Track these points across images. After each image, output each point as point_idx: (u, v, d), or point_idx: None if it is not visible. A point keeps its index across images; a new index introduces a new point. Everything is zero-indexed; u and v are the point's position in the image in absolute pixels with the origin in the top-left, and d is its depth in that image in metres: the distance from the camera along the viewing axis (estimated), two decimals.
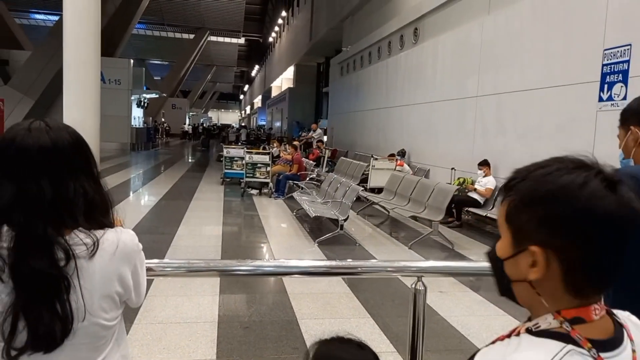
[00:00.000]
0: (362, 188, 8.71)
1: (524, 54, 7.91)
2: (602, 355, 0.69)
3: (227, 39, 48.69)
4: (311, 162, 13.54)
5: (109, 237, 1.10)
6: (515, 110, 8.08)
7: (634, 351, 0.74)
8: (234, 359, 3.27)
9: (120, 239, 1.13)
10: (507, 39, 8.50)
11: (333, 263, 1.68)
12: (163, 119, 36.06)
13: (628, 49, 5.73)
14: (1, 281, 1.00)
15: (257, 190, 11.05)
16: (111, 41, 22.27)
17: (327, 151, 15.34)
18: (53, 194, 1.04)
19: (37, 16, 34.07)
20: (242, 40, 53.01)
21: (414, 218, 7.53)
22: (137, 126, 26.27)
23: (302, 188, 9.74)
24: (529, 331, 0.73)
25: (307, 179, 10.84)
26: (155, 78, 47.14)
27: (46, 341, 1.02)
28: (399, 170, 10.29)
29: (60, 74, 10.03)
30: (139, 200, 10.33)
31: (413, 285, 1.54)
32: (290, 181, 10.66)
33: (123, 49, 25.06)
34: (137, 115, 27.67)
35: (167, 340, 3.47)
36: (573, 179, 0.70)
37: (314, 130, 19.70)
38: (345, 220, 6.80)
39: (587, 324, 0.71)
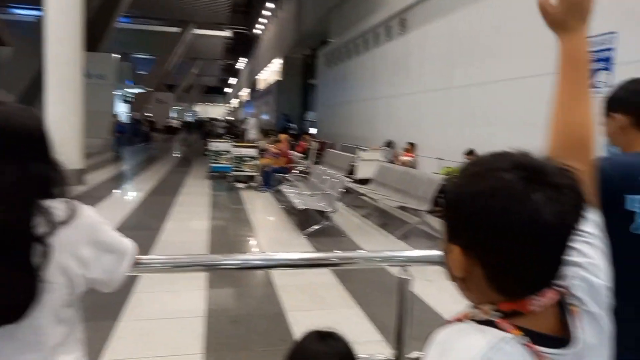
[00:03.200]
0: (349, 179, 8.71)
1: (510, 43, 7.94)
2: (547, 350, 0.67)
3: (213, 32, 48.22)
4: (299, 154, 13.50)
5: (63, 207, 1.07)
6: (501, 99, 8.11)
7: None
8: (222, 352, 3.25)
9: (80, 210, 1.09)
10: (493, 29, 8.51)
11: (319, 255, 1.67)
12: (148, 114, 35.63)
13: (615, 36, 5.77)
14: None
15: (245, 184, 10.99)
16: (95, 35, 21.90)
17: (314, 143, 15.28)
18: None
19: (18, 11, 33.38)
20: (228, 33, 52.57)
21: (402, 208, 7.54)
22: (122, 121, 25.93)
23: (290, 181, 9.71)
24: (473, 319, 0.72)
25: (295, 171, 10.80)
26: (140, 72, 46.56)
27: (8, 310, 0.97)
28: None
29: (42, 70, 9.84)
30: (124, 195, 10.21)
31: (399, 275, 1.52)
32: (277, 174, 10.61)
33: (107, 43, 24.67)
34: (123, 110, 27.33)
35: (154, 336, 3.43)
36: (492, 185, 0.67)
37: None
38: (332, 212, 6.79)
39: (525, 317, 0.69)
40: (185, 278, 4.58)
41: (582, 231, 0.82)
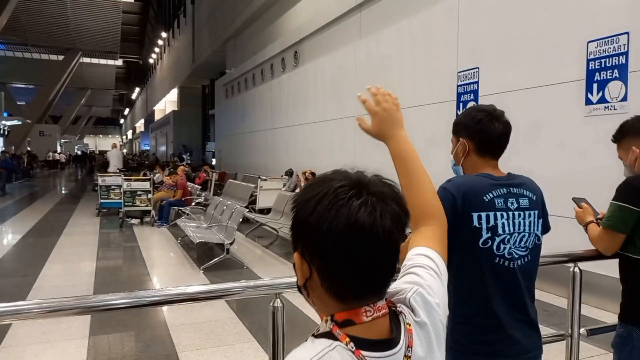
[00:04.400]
0: (249, 209, 8.61)
1: (394, 75, 8.51)
2: (370, 354, 0.74)
3: (103, 61, 45.78)
4: (197, 186, 13.11)
5: None
6: None
7: (407, 357, 0.78)
8: None
9: None
10: (379, 62, 9.09)
11: (195, 289, 1.60)
12: (29, 148, 32.49)
13: (476, 71, 6.44)
14: None
15: (138, 220, 10.38)
16: None
17: (214, 174, 14.97)
18: None
19: None
20: (119, 62, 50.26)
21: None
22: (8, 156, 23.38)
23: (187, 214, 9.36)
24: (313, 335, 0.78)
25: (193, 204, 10.45)
26: (19, 103, 42.57)
27: None
28: None
29: None
30: None
31: (271, 304, 1.52)
32: (174, 207, 10.19)
33: None
34: None
35: None
36: (320, 192, 0.76)
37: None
38: (231, 243, 6.64)
39: (357, 326, 0.76)
40: (64, 326, 4.15)
41: (421, 260, 0.97)
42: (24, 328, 4.18)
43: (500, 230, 1.52)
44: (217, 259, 6.51)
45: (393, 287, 0.88)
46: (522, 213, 1.58)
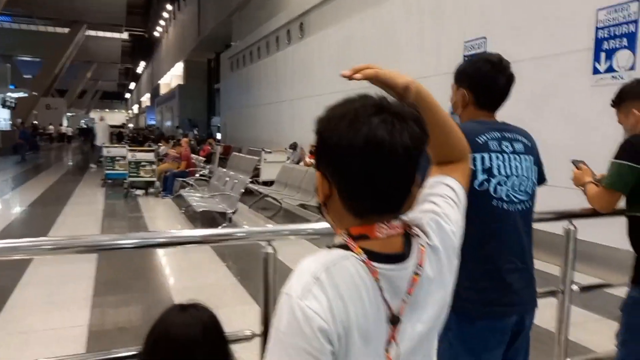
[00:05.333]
0: (251, 180, 8.64)
1: (401, 45, 8.39)
2: (380, 265, 0.77)
3: (108, 34, 45.40)
4: (201, 158, 13.15)
5: None
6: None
7: (416, 274, 0.81)
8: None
9: None
10: (386, 32, 8.95)
11: (189, 233, 1.63)
12: (35, 121, 32.58)
13: (484, 41, 6.33)
14: None
15: (143, 191, 10.44)
16: None
17: (218, 147, 14.99)
18: None
19: None
20: (125, 35, 49.86)
21: (302, 206, 7.63)
22: (2, 129, 23.52)
23: (192, 185, 9.41)
24: (328, 247, 0.81)
25: (197, 175, 10.49)
26: (25, 76, 42.49)
27: None
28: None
29: None
30: (2, 208, 9.23)
31: (263, 250, 1.53)
32: (178, 179, 10.23)
33: None
34: (3, 117, 24.74)
35: (31, 349, 3.13)
36: (343, 111, 0.78)
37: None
38: (233, 212, 6.69)
39: (371, 240, 0.79)
40: (68, 288, 4.24)
41: (441, 190, 0.97)
42: (29, 291, 4.28)
43: (495, 172, 1.49)
44: (219, 227, 6.56)
45: (410, 214, 0.89)
46: (517, 156, 1.55)
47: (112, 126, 42.39)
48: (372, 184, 0.77)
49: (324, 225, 1.49)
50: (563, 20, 5.32)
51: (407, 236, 0.85)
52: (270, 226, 1.60)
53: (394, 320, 0.78)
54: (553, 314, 2.15)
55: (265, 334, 1.54)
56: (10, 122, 26.91)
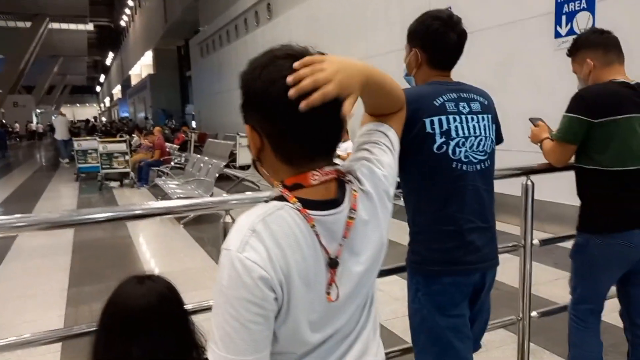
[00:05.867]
0: (225, 165, 8.58)
1: (368, 21, 8.36)
2: (314, 212, 0.79)
3: (73, 26, 44.05)
4: (176, 146, 12.99)
5: None
6: None
7: (351, 218, 0.83)
8: None
9: None
10: (352, 9, 8.89)
11: (158, 204, 1.62)
12: (3, 120, 31.63)
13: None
14: None
15: (118, 182, 10.30)
16: None
17: (193, 135, 14.80)
18: None
19: None
20: (90, 27, 48.40)
21: None
22: None
23: (167, 174, 9.30)
24: (264, 201, 0.83)
25: (172, 163, 10.37)
26: None
27: None
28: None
29: None
30: None
31: (222, 220, 1.54)
32: (153, 168, 10.10)
33: None
34: None
35: None
36: (259, 64, 0.80)
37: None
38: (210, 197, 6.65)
39: (306, 189, 0.81)
40: (42, 279, 4.19)
41: (374, 137, 0.99)
42: (4, 283, 4.23)
43: (453, 134, 1.48)
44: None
45: (344, 163, 0.92)
46: (474, 117, 1.54)
47: (79, 121, 41.24)
48: (301, 125, 0.78)
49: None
50: None
51: (341, 183, 0.87)
52: (229, 195, 1.60)
53: (333, 264, 0.81)
54: (516, 271, 2.21)
55: None
56: None
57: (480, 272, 1.57)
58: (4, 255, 5.12)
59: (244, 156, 10.47)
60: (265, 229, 0.76)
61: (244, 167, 10.05)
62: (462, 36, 1.58)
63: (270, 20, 12.99)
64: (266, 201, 0.83)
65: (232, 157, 10.84)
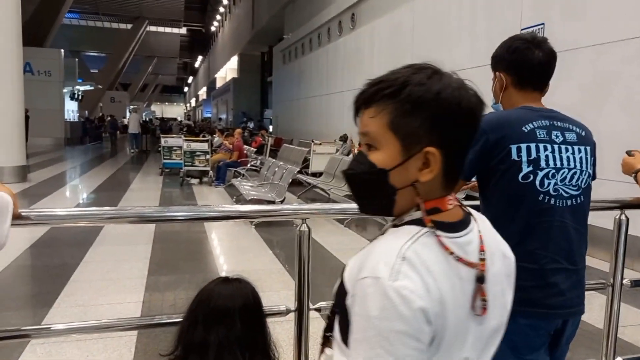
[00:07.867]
0: (299, 170, 8.74)
1: (452, 34, 8.18)
2: (448, 234, 0.77)
3: (168, 29, 47.20)
4: (253, 149, 13.44)
5: None
6: None
7: (480, 231, 0.83)
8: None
9: None
10: (436, 20, 8.75)
11: (230, 208, 1.70)
12: (102, 113, 34.47)
13: (542, 28, 6.05)
14: None
15: (197, 179, 10.86)
16: (39, 31, 21.04)
17: (269, 139, 15.25)
18: None
19: None
20: (183, 30, 51.58)
21: (349, 197, 7.63)
22: (71, 120, 25.08)
23: (243, 175, 9.65)
24: (394, 226, 0.81)
25: (249, 165, 10.75)
26: (91, 71, 45.02)
27: None
28: None
29: None
30: (68, 193, 9.87)
31: (298, 228, 1.57)
32: (231, 168, 10.53)
33: (54, 40, 23.75)
34: (71, 108, 26.32)
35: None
36: (448, 83, 0.77)
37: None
38: (282, 201, 6.81)
39: (442, 213, 0.80)
40: (125, 266, 4.50)
41: None
42: (89, 267, 4.58)
43: (543, 164, 1.37)
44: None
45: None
46: (569, 147, 1.41)
47: (167, 119, 43.78)
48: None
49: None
50: (626, 3, 4.99)
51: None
52: (306, 205, 1.63)
53: (481, 279, 0.77)
54: (602, 312, 2.05)
55: (299, 310, 1.59)
56: (78, 114, 28.56)
57: (563, 319, 1.43)
58: (95, 238, 5.56)
59: (317, 163, 10.63)
60: (416, 256, 0.72)
61: (315, 174, 10.20)
62: (550, 54, 1.49)
63: (353, 30, 13.10)
64: (395, 226, 0.81)
65: (306, 163, 11.05)
